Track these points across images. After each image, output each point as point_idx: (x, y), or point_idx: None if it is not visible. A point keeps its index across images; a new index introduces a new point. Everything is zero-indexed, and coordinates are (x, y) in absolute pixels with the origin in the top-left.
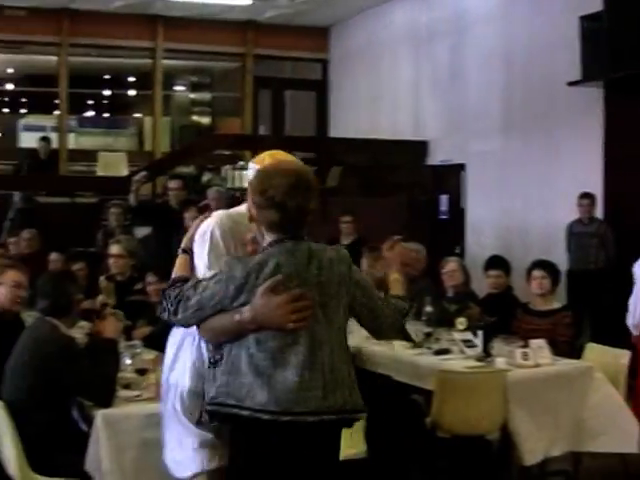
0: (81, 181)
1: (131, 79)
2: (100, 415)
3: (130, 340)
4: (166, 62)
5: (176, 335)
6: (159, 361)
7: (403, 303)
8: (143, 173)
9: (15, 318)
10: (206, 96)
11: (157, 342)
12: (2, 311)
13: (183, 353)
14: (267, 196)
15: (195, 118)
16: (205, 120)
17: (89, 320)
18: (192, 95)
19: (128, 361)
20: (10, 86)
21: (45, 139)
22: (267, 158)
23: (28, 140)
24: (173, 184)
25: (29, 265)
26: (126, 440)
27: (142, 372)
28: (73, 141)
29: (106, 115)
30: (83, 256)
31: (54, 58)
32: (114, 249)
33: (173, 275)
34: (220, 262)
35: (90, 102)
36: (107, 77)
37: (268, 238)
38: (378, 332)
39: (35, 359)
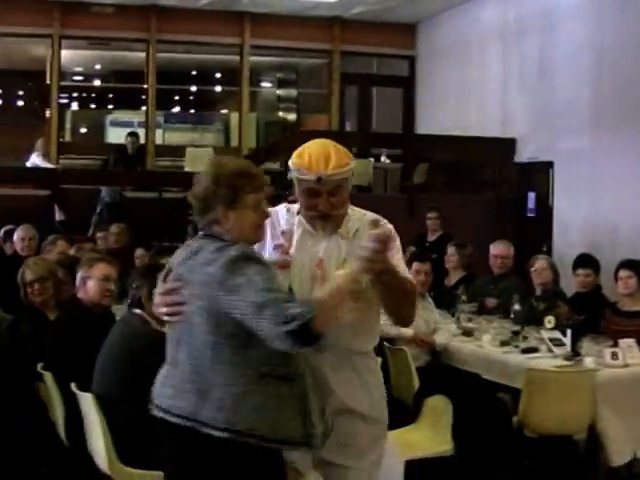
0: (168, 176)
1: (218, 75)
2: None
3: None
4: (253, 58)
5: None
6: None
7: (292, 308)
8: None
9: (105, 312)
10: (292, 92)
11: None
12: (92, 305)
13: None
14: None
15: (281, 114)
16: (291, 116)
17: None
18: (278, 91)
19: None
20: (97, 82)
21: (133, 134)
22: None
23: (115, 136)
24: None
25: (118, 259)
26: None
27: None
28: (160, 137)
29: (192, 111)
30: (171, 251)
31: (141, 54)
32: None
33: None
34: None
35: (177, 98)
36: (194, 73)
37: None
38: (267, 341)
39: (125, 352)
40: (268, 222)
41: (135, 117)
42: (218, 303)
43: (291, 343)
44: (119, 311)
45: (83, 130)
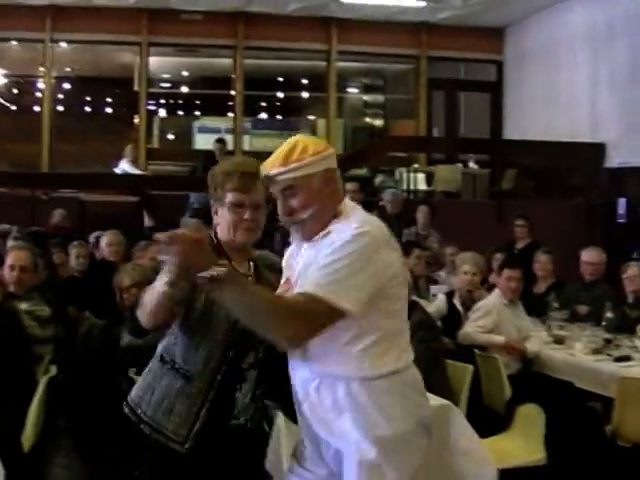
0: None
1: (305, 81)
2: (281, 415)
3: None
4: (339, 64)
5: None
6: None
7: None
8: None
9: None
10: (379, 98)
11: None
12: None
13: None
14: None
15: (368, 120)
16: (378, 122)
17: None
18: (365, 97)
19: None
20: (185, 89)
21: (221, 141)
22: None
23: (203, 142)
24: (350, 186)
25: None
26: None
27: None
28: (247, 143)
29: (279, 117)
30: None
31: (229, 61)
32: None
33: None
34: None
35: (264, 104)
36: (281, 79)
37: None
38: None
39: None
40: None
41: (222, 123)
42: None
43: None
44: None
45: (171, 136)
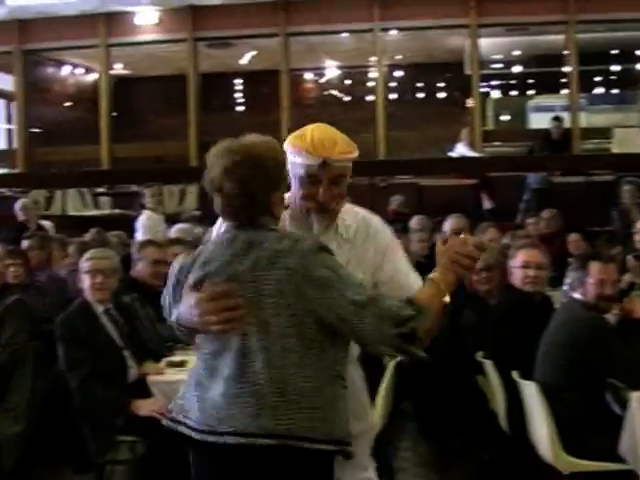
0: (595, 159)
1: None
2: (635, 398)
3: None
4: None
5: None
6: None
7: (402, 309)
8: None
9: (543, 298)
10: None
11: None
12: (527, 292)
13: None
14: (209, 179)
15: None
16: None
17: (618, 300)
18: None
19: None
20: (517, 68)
21: (557, 119)
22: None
23: (538, 121)
24: None
25: (550, 245)
26: None
27: None
28: (584, 119)
29: (616, 91)
30: (612, 239)
31: (560, 37)
32: None
33: None
34: None
35: (598, 79)
36: (615, 52)
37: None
38: (363, 345)
39: (567, 339)
40: None
41: (557, 101)
42: (306, 298)
43: (391, 346)
44: (556, 297)
45: (505, 117)
